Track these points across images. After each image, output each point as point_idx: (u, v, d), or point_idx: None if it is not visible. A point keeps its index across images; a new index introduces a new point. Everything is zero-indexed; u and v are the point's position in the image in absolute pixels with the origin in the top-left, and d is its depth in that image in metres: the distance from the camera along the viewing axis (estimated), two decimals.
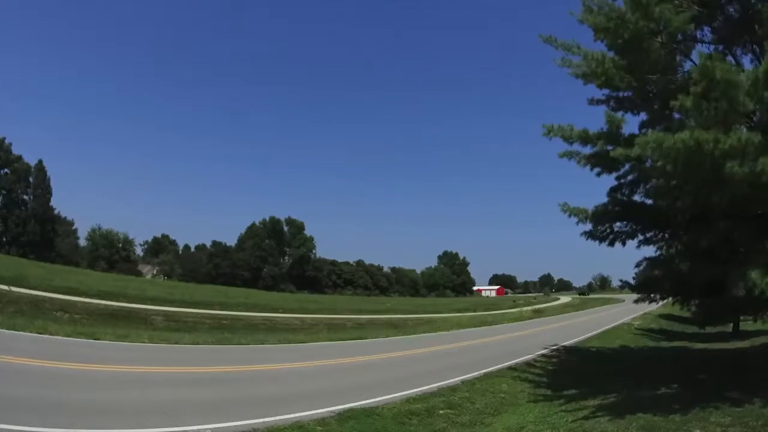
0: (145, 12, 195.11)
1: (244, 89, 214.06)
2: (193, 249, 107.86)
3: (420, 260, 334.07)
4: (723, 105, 6.58)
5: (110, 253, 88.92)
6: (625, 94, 10.58)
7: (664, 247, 12.40)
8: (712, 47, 9.95)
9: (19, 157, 72.22)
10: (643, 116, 11.10)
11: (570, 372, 13.92)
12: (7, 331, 12.17)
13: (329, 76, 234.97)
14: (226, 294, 52.93)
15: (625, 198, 11.76)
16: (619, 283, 16.16)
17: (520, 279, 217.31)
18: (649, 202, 11.03)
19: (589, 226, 11.35)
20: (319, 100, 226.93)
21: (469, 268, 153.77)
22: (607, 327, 30.11)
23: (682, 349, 19.49)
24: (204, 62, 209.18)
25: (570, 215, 10.82)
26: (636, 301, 13.91)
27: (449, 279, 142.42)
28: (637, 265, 13.69)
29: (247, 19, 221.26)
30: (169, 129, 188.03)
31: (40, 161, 74.31)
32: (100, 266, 79.49)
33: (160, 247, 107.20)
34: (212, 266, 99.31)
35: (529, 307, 59.69)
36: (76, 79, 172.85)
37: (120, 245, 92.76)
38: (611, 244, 11.69)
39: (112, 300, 30.14)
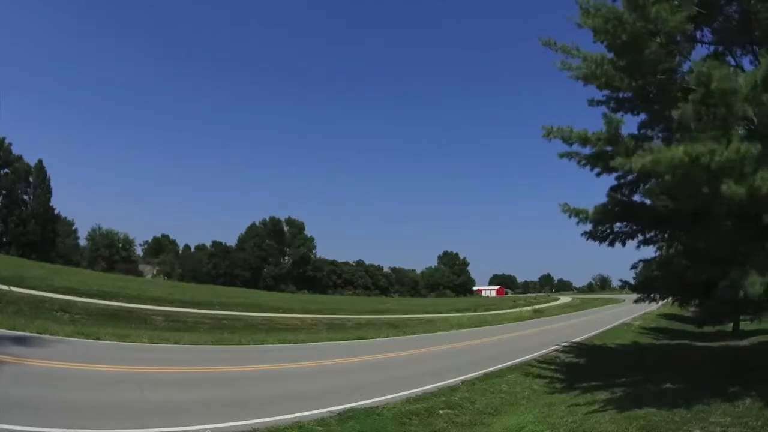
0: (145, 10, 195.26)
1: (244, 89, 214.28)
2: (193, 249, 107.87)
3: (420, 260, 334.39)
4: (722, 111, 6.57)
5: (110, 253, 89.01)
6: (625, 95, 10.57)
7: (664, 248, 12.41)
8: (711, 48, 9.98)
9: (19, 157, 72.20)
10: (643, 117, 11.12)
11: (570, 372, 13.94)
12: (7, 331, 12.18)
13: (330, 76, 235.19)
14: (226, 294, 52.94)
15: (625, 198, 11.77)
16: (620, 283, 16.20)
17: (520, 279, 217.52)
18: (649, 202, 11.04)
19: (589, 227, 11.35)
20: (320, 100, 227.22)
21: (469, 268, 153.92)
22: (607, 327, 30.11)
23: (682, 348, 19.51)
24: (204, 61, 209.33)
25: (570, 215, 10.81)
26: (636, 301, 13.94)
27: (449, 279, 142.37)
28: (634, 266, 13.74)
29: (247, 17, 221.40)
30: (169, 129, 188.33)
31: (40, 161, 74.35)
32: (100, 266, 79.58)
33: (160, 247, 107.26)
34: (212, 266, 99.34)
35: (529, 308, 59.68)
36: (76, 78, 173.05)
37: (120, 245, 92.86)
38: (611, 244, 11.70)
39: (112, 300, 30.12)
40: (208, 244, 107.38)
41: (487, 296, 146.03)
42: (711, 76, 6.42)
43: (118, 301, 30.10)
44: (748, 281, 6.68)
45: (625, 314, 41.08)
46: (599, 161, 10.24)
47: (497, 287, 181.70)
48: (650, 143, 8.74)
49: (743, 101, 6.43)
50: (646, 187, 9.94)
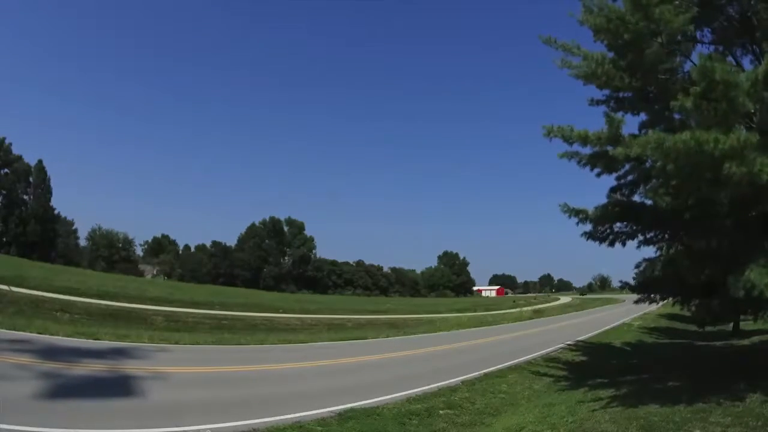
0: (147, 7, 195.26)
1: (244, 89, 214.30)
2: (193, 249, 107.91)
3: (420, 260, 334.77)
4: (723, 106, 6.58)
5: (110, 253, 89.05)
6: (626, 94, 10.57)
7: (665, 248, 12.40)
8: (712, 48, 9.96)
9: (19, 157, 72.30)
10: (643, 117, 11.12)
11: (570, 371, 13.94)
12: (7, 331, 12.17)
13: (330, 76, 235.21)
14: (226, 294, 52.99)
15: (625, 198, 11.76)
16: (619, 284, 16.18)
17: (520, 279, 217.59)
18: (649, 202, 11.03)
19: (589, 227, 11.35)
20: (320, 100, 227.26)
21: (469, 268, 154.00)
22: (607, 327, 30.12)
23: (683, 347, 19.51)
24: (205, 61, 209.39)
25: (570, 216, 10.82)
26: (636, 302, 13.93)
27: (449, 279, 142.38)
28: (637, 266, 13.73)
29: (249, 17, 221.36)
30: (169, 128, 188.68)
31: (40, 161, 74.49)
32: (100, 266, 79.59)
33: (160, 247, 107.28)
34: (212, 266, 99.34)
35: (529, 308, 59.65)
36: (77, 77, 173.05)
37: (120, 245, 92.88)
38: (611, 244, 11.69)
39: (112, 300, 30.14)
40: (208, 244, 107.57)
41: (487, 296, 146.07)
42: (714, 69, 6.43)
43: (118, 301, 30.11)
44: (763, 282, 6.67)
45: (625, 314, 41.07)
46: (600, 161, 10.24)
47: (497, 287, 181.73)
48: (650, 132, 8.75)
49: (745, 96, 6.44)
50: (648, 186, 9.93)
